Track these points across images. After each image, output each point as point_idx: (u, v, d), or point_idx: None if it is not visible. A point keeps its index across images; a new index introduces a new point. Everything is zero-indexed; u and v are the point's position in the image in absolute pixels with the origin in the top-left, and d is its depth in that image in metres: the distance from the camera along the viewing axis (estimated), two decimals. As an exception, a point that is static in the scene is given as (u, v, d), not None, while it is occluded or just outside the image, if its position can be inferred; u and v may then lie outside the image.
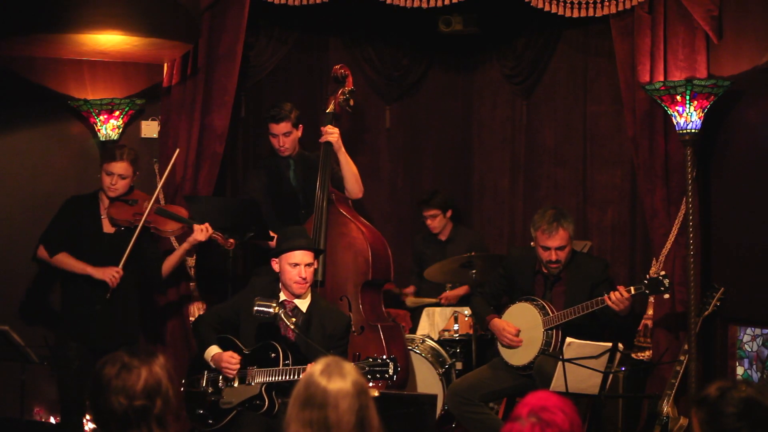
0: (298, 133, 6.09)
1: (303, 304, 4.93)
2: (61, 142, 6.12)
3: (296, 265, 4.86)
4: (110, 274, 5.39)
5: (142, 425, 2.65)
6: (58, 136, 6.11)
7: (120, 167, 5.45)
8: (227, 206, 6.05)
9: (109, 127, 5.99)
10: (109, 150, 5.56)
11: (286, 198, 6.13)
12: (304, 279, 4.86)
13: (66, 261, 5.48)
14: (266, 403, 4.82)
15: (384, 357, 4.55)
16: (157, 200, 5.61)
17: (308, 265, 4.87)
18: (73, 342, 5.45)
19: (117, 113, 5.99)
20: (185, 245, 5.61)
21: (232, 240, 5.63)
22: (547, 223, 5.31)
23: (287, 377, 4.73)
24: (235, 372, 4.85)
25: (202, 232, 5.50)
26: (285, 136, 6.03)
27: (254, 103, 6.89)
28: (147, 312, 6.13)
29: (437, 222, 6.91)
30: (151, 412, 2.66)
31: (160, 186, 5.69)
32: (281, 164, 6.15)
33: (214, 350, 4.92)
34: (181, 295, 6.13)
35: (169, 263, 5.66)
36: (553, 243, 5.32)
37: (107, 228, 5.55)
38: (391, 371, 4.49)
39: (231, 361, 4.84)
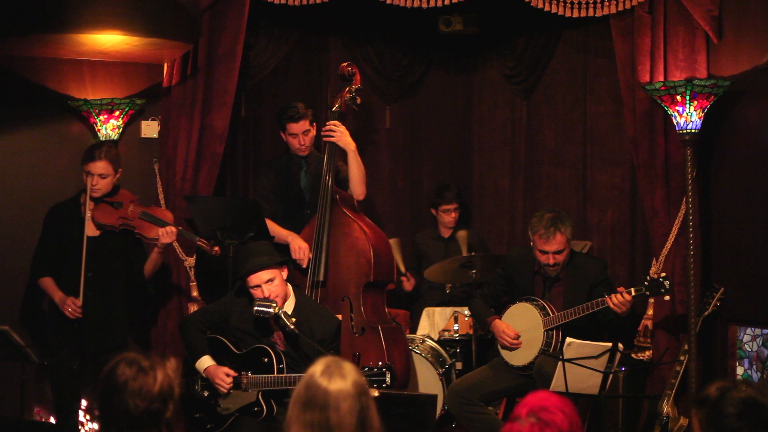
0: (314, 131, 6.10)
1: (288, 310, 4.86)
2: (61, 142, 6.12)
3: (256, 287, 4.79)
4: (67, 310, 5.40)
5: (153, 428, 2.65)
6: (58, 136, 6.11)
7: (99, 167, 5.44)
8: (227, 206, 6.05)
9: (109, 127, 6.00)
10: (88, 150, 5.53)
11: (293, 198, 6.13)
12: (269, 298, 4.77)
13: (47, 286, 5.54)
14: (264, 409, 4.81)
15: (380, 364, 4.52)
16: (141, 202, 5.59)
17: (269, 281, 4.78)
18: (64, 344, 5.44)
19: (117, 113, 5.99)
20: (156, 252, 5.55)
21: (217, 248, 5.58)
22: (544, 228, 5.30)
23: (283, 386, 4.72)
24: (227, 389, 4.83)
25: (166, 235, 5.44)
26: (304, 134, 6.04)
27: (254, 103, 6.88)
28: (147, 312, 6.15)
29: (455, 215, 6.90)
30: (164, 415, 2.67)
31: (159, 189, 5.67)
32: (293, 164, 6.15)
33: (207, 362, 4.90)
34: (181, 295, 6.14)
35: (147, 268, 5.62)
36: (551, 247, 5.32)
37: (90, 231, 5.50)
38: (388, 380, 4.44)
39: (225, 379, 4.82)
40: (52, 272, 5.56)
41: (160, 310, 6.15)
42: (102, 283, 5.50)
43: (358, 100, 6.03)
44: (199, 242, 5.56)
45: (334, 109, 5.98)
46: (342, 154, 5.94)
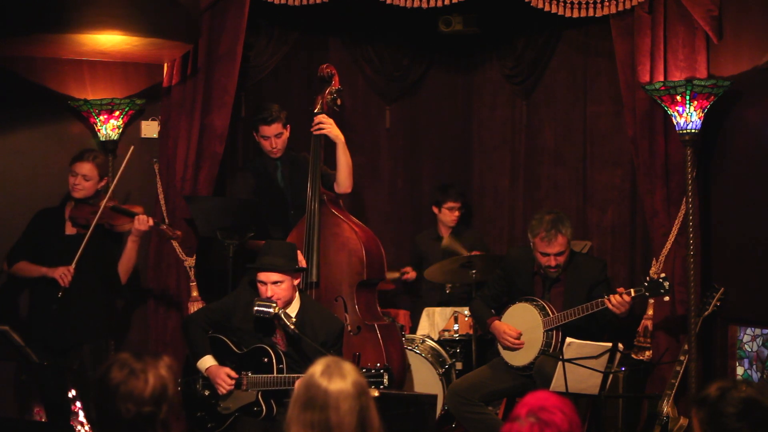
0: (287, 134, 6.09)
1: (292, 312, 4.88)
2: (61, 142, 6.11)
3: (262, 283, 4.83)
4: (60, 273, 5.41)
5: (148, 430, 2.65)
6: (58, 136, 6.11)
7: (84, 168, 5.53)
8: (227, 206, 6.04)
9: (109, 127, 6.00)
10: (80, 151, 5.63)
11: (274, 199, 6.11)
12: (269, 298, 4.80)
13: (24, 268, 5.56)
14: (264, 408, 4.82)
15: (378, 366, 4.53)
16: (113, 199, 5.62)
17: (275, 283, 4.81)
18: (34, 343, 5.44)
19: (117, 113, 6.00)
20: (131, 240, 5.56)
21: (179, 232, 5.58)
22: (545, 231, 5.29)
23: (282, 386, 4.72)
24: (227, 390, 4.84)
25: (141, 222, 5.46)
26: (277, 137, 6.03)
27: (254, 103, 6.87)
28: (148, 312, 6.15)
29: (458, 214, 6.90)
30: (158, 417, 2.66)
31: (115, 182, 5.64)
32: (269, 165, 6.14)
33: (209, 362, 4.90)
34: (181, 295, 6.13)
35: (122, 265, 5.62)
36: (552, 249, 5.32)
37: (69, 230, 5.57)
38: (386, 382, 4.45)
39: (227, 380, 4.83)
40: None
41: (160, 310, 6.15)
42: (77, 280, 5.50)
43: (339, 102, 6.00)
44: (162, 227, 5.53)
45: (315, 110, 5.93)
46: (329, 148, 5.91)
